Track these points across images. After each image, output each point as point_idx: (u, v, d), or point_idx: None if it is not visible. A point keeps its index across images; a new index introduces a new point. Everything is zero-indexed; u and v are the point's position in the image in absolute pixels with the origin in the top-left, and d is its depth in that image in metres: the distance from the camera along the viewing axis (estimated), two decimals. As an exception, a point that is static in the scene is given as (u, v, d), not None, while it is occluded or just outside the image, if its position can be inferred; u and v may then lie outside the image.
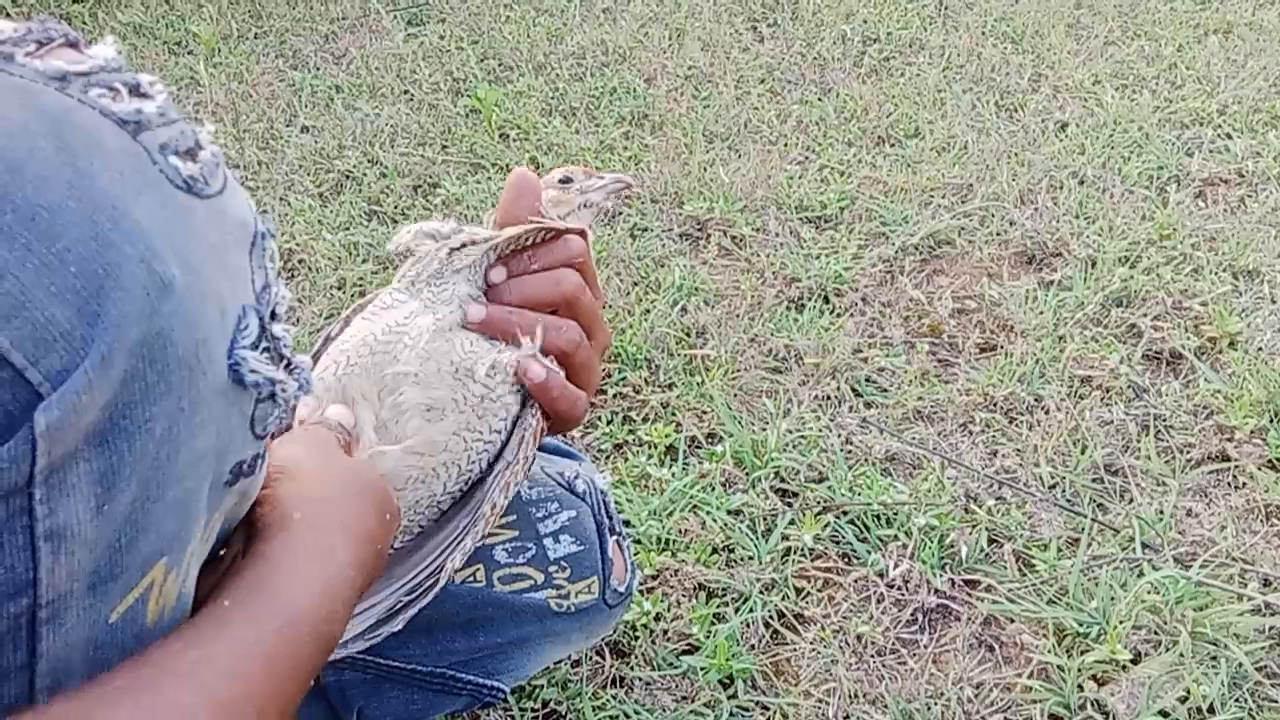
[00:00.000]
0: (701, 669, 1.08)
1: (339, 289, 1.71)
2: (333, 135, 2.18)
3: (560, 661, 1.11)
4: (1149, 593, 1.10)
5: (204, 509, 0.42)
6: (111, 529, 0.37)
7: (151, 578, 0.39)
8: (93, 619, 0.38)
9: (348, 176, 2.04)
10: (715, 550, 1.22)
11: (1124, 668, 1.05)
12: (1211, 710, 1.01)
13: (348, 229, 1.87)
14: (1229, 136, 2.04)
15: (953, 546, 1.19)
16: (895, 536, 1.21)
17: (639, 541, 1.22)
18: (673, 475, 1.31)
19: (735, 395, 1.45)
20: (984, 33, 2.52)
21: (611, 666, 1.10)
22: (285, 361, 0.45)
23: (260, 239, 0.43)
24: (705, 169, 1.99)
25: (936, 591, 1.15)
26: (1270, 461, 1.30)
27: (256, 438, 0.44)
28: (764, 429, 1.37)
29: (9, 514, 0.34)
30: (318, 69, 2.51)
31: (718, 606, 1.15)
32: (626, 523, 1.23)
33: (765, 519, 1.25)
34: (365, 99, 2.35)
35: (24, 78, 0.36)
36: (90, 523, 0.36)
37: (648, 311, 1.60)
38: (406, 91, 2.38)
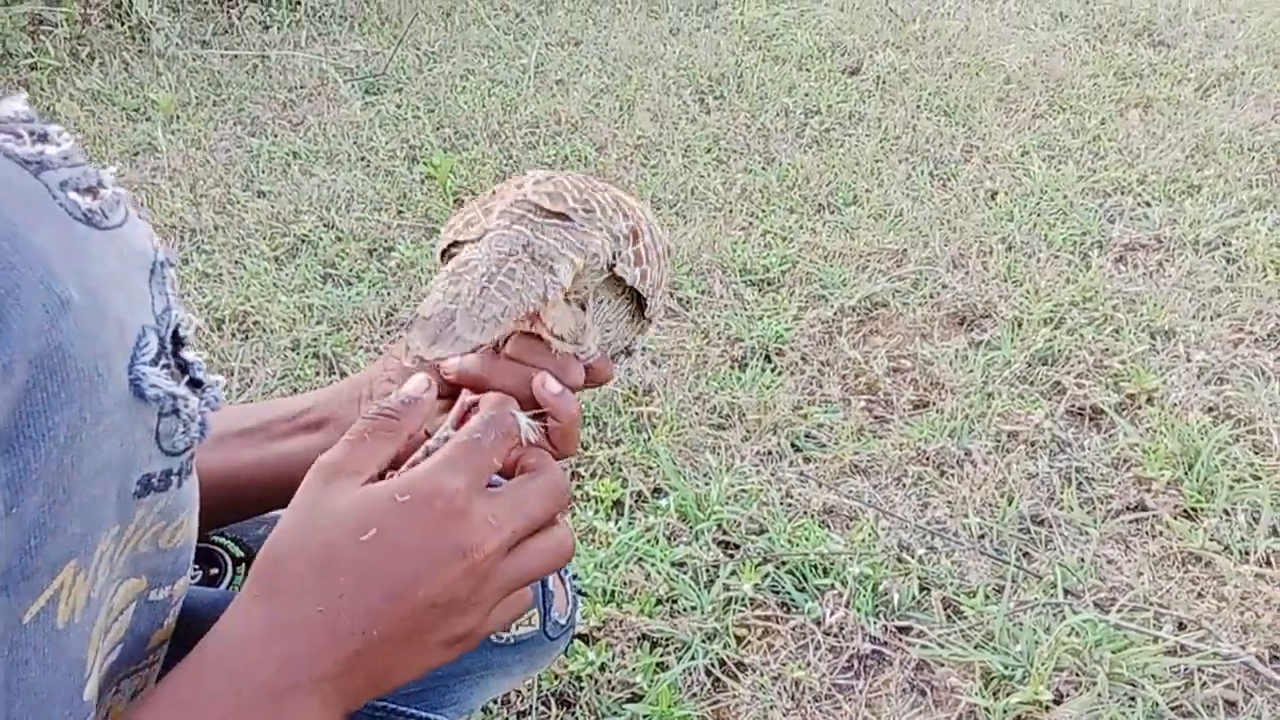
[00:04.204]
0: (644, 716, 1.11)
1: (293, 350, 1.74)
2: (289, 200, 2.22)
3: (507, 708, 1.13)
4: (1070, 636, 1.16)
5: (112, 517, 0.45)
6: (21, 531, 0.40)
7: (61, 580, 0.43)
8: (7, 620, 0.41)
9: (303, 240, 2.09)
10: (659, 601, 1.25)
11: (1047, 708, 1.10)
12: (1129, 747, 1.06)
13: (303, 291, 1.90)
14: (1148, 204, 2.15)
15: (886, 594, 1.24)
16: (831, 585, 1.26)
17: (585, 594, 1.26)
18: (619, 529, 1.35)
19: (680, 451, 1.50)
20: (919, 106, 2.64)
21: (557, 716, 1.13)
22: (194, 381, 0.48)
23: (160, 267, 0.47)
24: (653, 234, 2.06)
25: (870, 638, 1.20)
26: (1185, 511, 1.37)
27: (164, 452, 0.48)
28: (707, 483, 1.41)
29: None
30: (275, 136, 2.56)
31: (661, 655, 1.19)
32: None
33: (708, 570, 1.29)
34: (322, 165, 2.40)
35: None
36: (1, 524, 0.40)
37: (596, 371, 1.65)
38: (363, 158, 2.44)
